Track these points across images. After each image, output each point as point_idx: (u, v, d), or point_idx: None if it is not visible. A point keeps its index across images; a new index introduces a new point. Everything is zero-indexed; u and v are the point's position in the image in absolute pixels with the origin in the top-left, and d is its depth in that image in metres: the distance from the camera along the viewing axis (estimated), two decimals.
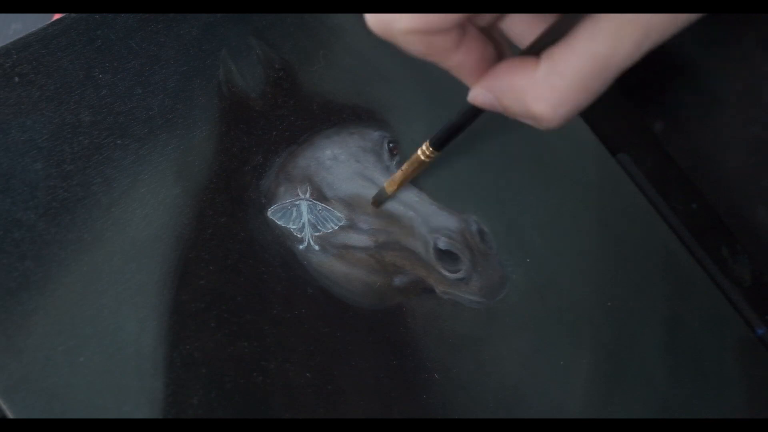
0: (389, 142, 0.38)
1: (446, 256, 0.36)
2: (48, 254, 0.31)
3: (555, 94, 0.22)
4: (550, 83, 0.22)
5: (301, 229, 0.35)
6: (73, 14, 0.35)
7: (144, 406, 0.30)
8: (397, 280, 0.36)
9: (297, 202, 0.36)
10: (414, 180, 0.38)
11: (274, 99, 0.37)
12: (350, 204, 0.36)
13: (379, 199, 0.36)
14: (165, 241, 0.33)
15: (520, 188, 0.41)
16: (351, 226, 0.36)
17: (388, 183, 0.35)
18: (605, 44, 0.20)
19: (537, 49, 0.23)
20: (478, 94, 0.24)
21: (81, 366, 0.30)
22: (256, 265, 0.34)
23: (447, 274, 0.36)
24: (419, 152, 0.31)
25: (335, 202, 0.36)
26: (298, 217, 0.36)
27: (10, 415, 0.28)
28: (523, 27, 0.25)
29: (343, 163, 0.37)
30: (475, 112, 0.27)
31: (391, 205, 0.36)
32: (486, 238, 0.38)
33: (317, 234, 0.36)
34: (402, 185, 0.34)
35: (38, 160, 0.32)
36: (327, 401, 0.33)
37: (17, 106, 0.32)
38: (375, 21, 0.23)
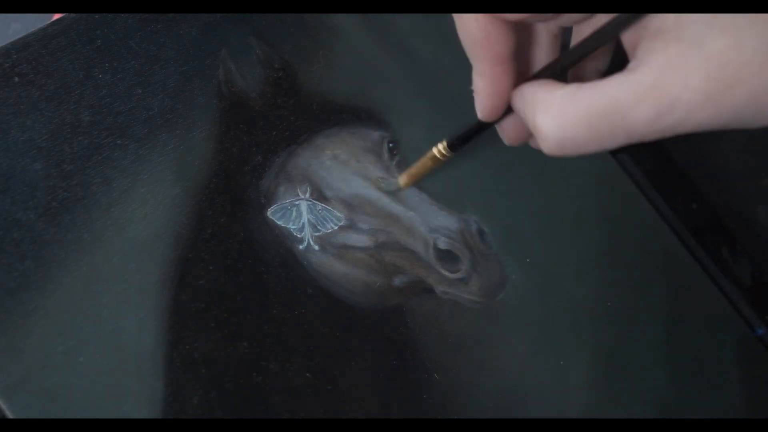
0: (389, 142, 0.38)
1: (446, 256, 0.36)
2: (48, 254, 0.31)
3: (561, 116, 0.22)
4: (562, 103, 0.22)
5: (301, 229, 0.35)
6: (72, 14, 0.35)
7: (144, 406, 0.30)
8: (397, 280, 0.36)
9: (297, 202, 0.36)
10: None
11: (274, 99, 0.37)
12: (350, 204, 0.36)
13: (387, 189, 0.36)
14: (164, 241, 0.33)
15: (520, 188, 0.41)
16: (351, 226, 0.36)
17: (403, 176, 0.35)
18: (628, 96, 0.20)
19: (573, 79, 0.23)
20: (515, 97, 0.25)
21: (81, 366, 0.30)
22: (255, 265, 0.34)
23: (447, 274, 0.36)
24: (435, 150, 0.31)
25: (335, 202, 0.36)
26: (297, 217, 0.36)
27: (10, 415, 0.28)
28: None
29: (343, 163, 0.37)
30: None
31: (391, 205, 0.36)
32: (486, 238, 0.38)
33: (317, 234, 0.36)
34: (415, 181, 0.35)
35: (38, 160, 0.32)
36: (327, 401, 0.33)
37: (17, 106, 0.32)
38: None
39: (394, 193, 0.36)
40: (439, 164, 0.32)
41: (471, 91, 0.26)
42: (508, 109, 0.26)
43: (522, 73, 0.26)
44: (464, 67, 0.26)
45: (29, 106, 0.32)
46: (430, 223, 0.36)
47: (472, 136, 0.29)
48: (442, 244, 0.36)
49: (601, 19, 0.24)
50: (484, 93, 0.25)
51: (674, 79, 0.20)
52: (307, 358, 0.33)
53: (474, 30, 0.23)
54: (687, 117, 0.20)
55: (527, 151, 0.42)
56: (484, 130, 0.28)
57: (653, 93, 0.20)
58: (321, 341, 0.34)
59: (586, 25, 0.26)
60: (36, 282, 0.30)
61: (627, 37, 0.22)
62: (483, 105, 0.26)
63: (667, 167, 0.49)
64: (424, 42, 0.42)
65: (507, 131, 0.28)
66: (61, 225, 0.31)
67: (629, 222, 0.44)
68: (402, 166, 0.38)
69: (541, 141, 0.23)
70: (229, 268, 0.33)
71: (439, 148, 0.31)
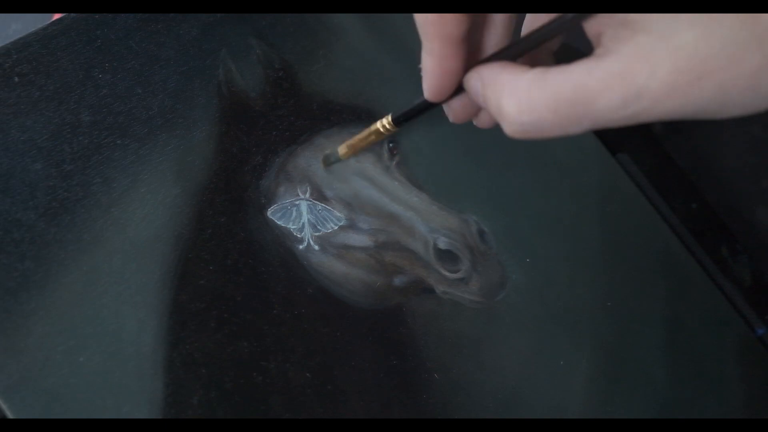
0: (389, 142, 0.38)
1: (446, 256, 0.36)
2: (48, 254, 0.31)
3: (526, 100, 0.22)
4: (528, 88, 0.22)
5: (301, 229, 0.35)
6: (72, 14, 0.35)
7: (144, 406, 0.30)
8: (397, 280, 0.36)
9: (297, 202, 0.36)
10: (414, 180, 0.38)
11: (274, 99, 0.37)
12: (350, 204, 0.36)
13: (328, 161, 0.36)
14: (165, 241, 0.33)
15: (520, 188, 0.41)
16: (351, 226, 0.36)
17: (343, 146, 0.35)
18: (595, 83, 0.21)
19: (535, 62, 0.23)
20: (471, 77, 0.25)
21: (81, 366, 0.30)
22: (255, 265, 0.34)
23: (447, 274, 0.36)
24: (378, 124, 0.31)
25: (335, 202, 0.36)
26: (297, 217, 0.36)
27: (9, 415, 0.28)
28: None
29: (343, 163, 0.37)
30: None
31: (391, 205, 0.36)
32: (486, 238, 0.38)
33: (317, 234, 0.36)
34: (354, 153, 0.34)
35: (38, 160, 0.32)
36: (327, 401, 0.33)
37: (17, 106, 0.32)
38: None
39: (334, 165, 0.36)
40: (381, 138, 0.32)
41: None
42: (457, 90, 0.26)
43: (472, 54, 0.26)
44: None
45: (29, 106, 0.32)
46: (430, 223, 0.36)
47: (417, 114, 0.29)
48: (442, 244, 0.36)
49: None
50: (433, 73, 0.25)
51: (642, 68, 0.20)
52: (307, 358, 0.33)
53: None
54: (652, 106, 0.20)
55: (527, 151, 0.42)
56: (430, 108, 0.28)
57: (620, 81, 0.20)
58: (321, 341, 0.34)
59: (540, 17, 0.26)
60: (36, 282, 0.30)
61: (591, 25, 0.22)
62: (431, 85, 0.26)
63: (667, 167, 0.49)
64: None
65: (455, 110, 0.28)
66: (61, 225, 0.31)
67: (629, 222, 0.44)
68: (402, 166, 0.38)
69: (506, 124, 0.23)
70: (229, 268, 0.33)
71: (384, 123, 0.31)
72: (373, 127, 0.32)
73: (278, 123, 0.37)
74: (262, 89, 0.37)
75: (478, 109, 0.27)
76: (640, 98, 0.20)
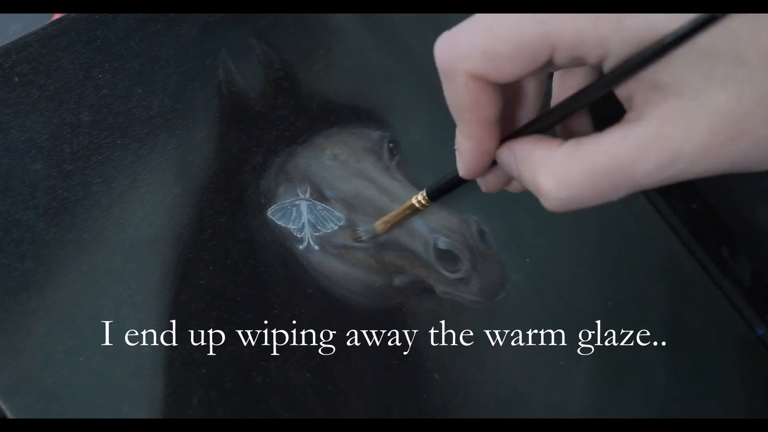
0: (389, 142, 0.38)
1: (446, 255, 0.36)
2: (48, 254, 0.31)
3: (563, 176, 0.22)
4: (563, 163, 0.22)
5: (301, 229, 0.35)
6: (72, 14, 0.35)
7: (144, 406, 0.30)
8: (397, 280, 0.36)
9: (297, 202, 0.36)
10: (414, 180, 0.38)
11: (274, 99, 0.37)
12: (350, 204, 0.36)
13: (363, 237, 0.35)
14: (165, 241, 0.33)
15: None
16: (351, 226, 0.36)
17: (380, 223, 0.34)
18: (630, 150, 0.20)
19: (567, 135, 0.23)
20: (503, 153, 0.25)
21: (81, 366, 0.30)
22: (255, 265, 0.34)
23: (447, 274, 0.36)
24: (414, 200, 0.31)
25: (335, 202, 0.36)
26: (297, 217, 0.36)
27: (9, 415, 0.28)
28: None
29: (343, 163, 0.37)
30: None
31: (391, 206, 0.36)
32: (486, 238, 0.38)
33: (317, 234, 0.36)
34: (391, 229, 0.34)
35: (38, 160, 0.32)
36: (327, 401, 0.33)
37: (17, 106, 0.32)
38: (442, 50, 0.23)
39: (373, 240, 0.36)
40: (416, 213, 0.32)
41: None
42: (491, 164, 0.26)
43: (508, 125, 0.26)
44: None
45: (29, 106, 0.32)
46: (430, 223, 0.36)
47: (452, 188, 0.29)
48: (442, 244, 0.36)
49: (588, 69, 0.24)
50: (470, 155, 0.25)
51: (675, 132, 0.20)
52: (307, 358, 0.33)
53: (463, 94, 0.23)
54: (688, 168, 0.20)
55: None
56: (463, 183, 0.28)
57: (655, 146, 0.20)
58: (321, 341, 0.34)
59: (571, 74, 0.25)
60: (36, 282, 0.30)
61: (621, 89, 0.22)
62: (467, 166, 0.26)
63: None
64: (424, 42, 0.42)
65: (488, 182, 0.27)
66: (61, 225, 0.31)
67: (629, 222, 0.44)
68: (402, 166, 0.38)
69: (544, 201, 0.23)
70: (229, 268, 0.33)
71: (419, 198, 0.31)
72: (408, 203, 0.31)
73: (278, 123, 0.37)
74: (262, 89, 0.37)
75: (510, 179, 0.27)
76: (675, 162, 0.20)
